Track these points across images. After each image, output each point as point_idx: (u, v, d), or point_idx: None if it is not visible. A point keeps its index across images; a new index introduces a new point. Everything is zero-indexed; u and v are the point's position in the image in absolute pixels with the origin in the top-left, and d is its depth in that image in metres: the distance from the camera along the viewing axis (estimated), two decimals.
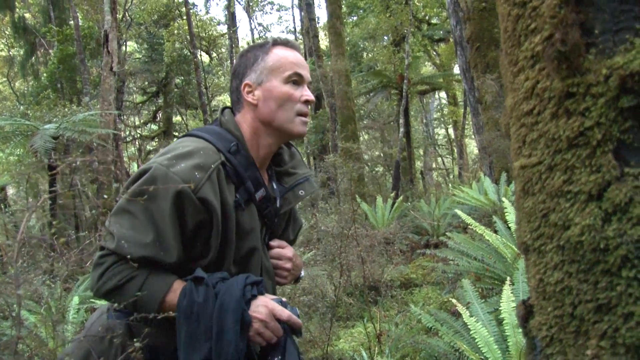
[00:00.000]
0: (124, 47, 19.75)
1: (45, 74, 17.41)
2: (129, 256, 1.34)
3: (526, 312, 0.89)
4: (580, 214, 0.72)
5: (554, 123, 0.75)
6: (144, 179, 1.39)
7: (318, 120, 17.28)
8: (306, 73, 1.63)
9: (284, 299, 1.49)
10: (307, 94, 1.62)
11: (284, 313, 1.43)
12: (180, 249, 1.41)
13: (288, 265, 1.72)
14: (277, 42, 1.64)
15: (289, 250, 1.75)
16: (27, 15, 20.04)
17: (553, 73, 0.73)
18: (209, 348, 1.33)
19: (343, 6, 18.29)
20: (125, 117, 21.27)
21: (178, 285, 1.41)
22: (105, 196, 8.46)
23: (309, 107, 1.65)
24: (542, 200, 0.79)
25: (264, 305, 1.42)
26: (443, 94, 25.48)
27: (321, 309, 5.00)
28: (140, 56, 22.39)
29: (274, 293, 1.68)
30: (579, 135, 0.71)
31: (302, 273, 1.88)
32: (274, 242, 1.74)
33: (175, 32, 20.48)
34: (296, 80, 1.60)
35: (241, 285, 1.41)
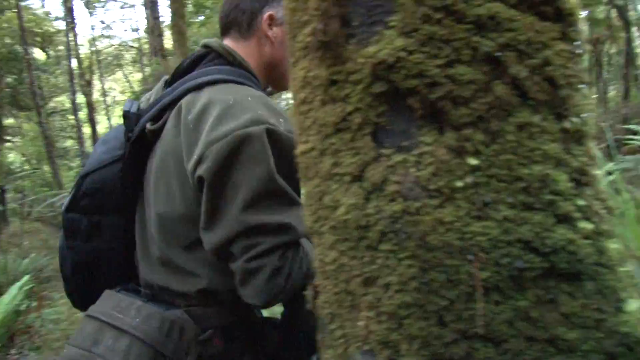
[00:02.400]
0: None
1: None
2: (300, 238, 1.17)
3: (314, 293, 0.94)
4: (346, 194, 0.77)
5: (322, 110, 0.79)
6: (269, 143, 1.13)
7: None
8: None
9: None
10: None
11: None
12: None
13: None
14: None
15: None
16: None
17: (319, 62, 0.78)
18: None
19: (190, 5, 17.97)
20: None
21: None
22: None
23: None
24: (318, 184, 0.83)
25: None
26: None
27: None
28: None
29: None
30: (342, 120, 0.76)
31: None
32: None
33: (5, 25, 18.81)
34: None
35: None
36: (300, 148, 0.87)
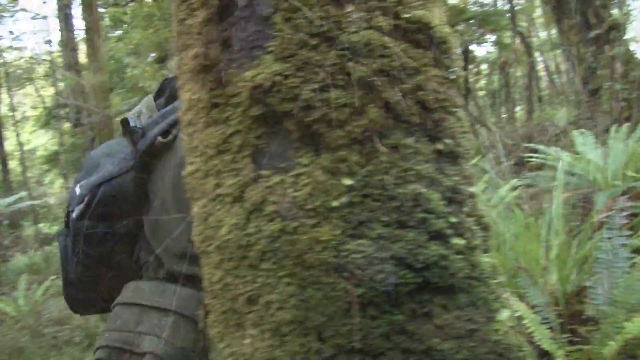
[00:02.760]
0: None
1: None
2: None
3: (205, 313, 0.94)
4: (228, 214, 0.78)
5: (205, 132, 0.81)
6: None
7: (76, 138, 16.19)
8: None
9: None
10: None
11: None
12: None
13: None
14: None
15: None
16: None
17: (201, 85, 0.79)
18: None
19: (107, 19, 17.52)
20: None
21: None
22: None
23: None
24: (204, 205, 0.84)
25: None
26: None
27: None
28: None
29: None
30: (223, 142, 0.78)
31: None
32: None
33: None
34: None
35: None
36: (187, 169, 0.88)
